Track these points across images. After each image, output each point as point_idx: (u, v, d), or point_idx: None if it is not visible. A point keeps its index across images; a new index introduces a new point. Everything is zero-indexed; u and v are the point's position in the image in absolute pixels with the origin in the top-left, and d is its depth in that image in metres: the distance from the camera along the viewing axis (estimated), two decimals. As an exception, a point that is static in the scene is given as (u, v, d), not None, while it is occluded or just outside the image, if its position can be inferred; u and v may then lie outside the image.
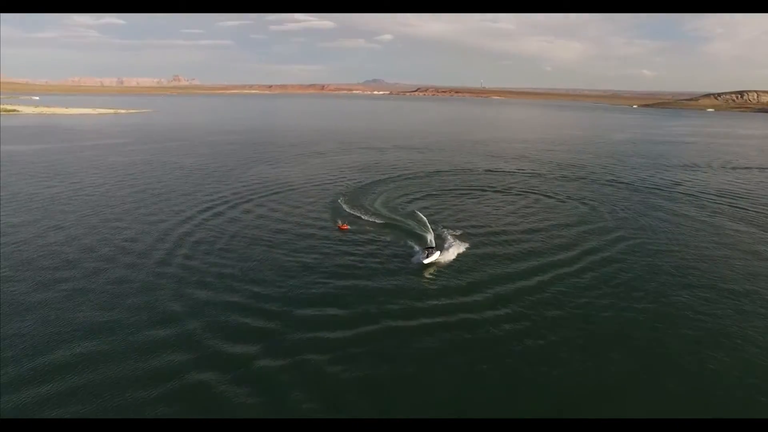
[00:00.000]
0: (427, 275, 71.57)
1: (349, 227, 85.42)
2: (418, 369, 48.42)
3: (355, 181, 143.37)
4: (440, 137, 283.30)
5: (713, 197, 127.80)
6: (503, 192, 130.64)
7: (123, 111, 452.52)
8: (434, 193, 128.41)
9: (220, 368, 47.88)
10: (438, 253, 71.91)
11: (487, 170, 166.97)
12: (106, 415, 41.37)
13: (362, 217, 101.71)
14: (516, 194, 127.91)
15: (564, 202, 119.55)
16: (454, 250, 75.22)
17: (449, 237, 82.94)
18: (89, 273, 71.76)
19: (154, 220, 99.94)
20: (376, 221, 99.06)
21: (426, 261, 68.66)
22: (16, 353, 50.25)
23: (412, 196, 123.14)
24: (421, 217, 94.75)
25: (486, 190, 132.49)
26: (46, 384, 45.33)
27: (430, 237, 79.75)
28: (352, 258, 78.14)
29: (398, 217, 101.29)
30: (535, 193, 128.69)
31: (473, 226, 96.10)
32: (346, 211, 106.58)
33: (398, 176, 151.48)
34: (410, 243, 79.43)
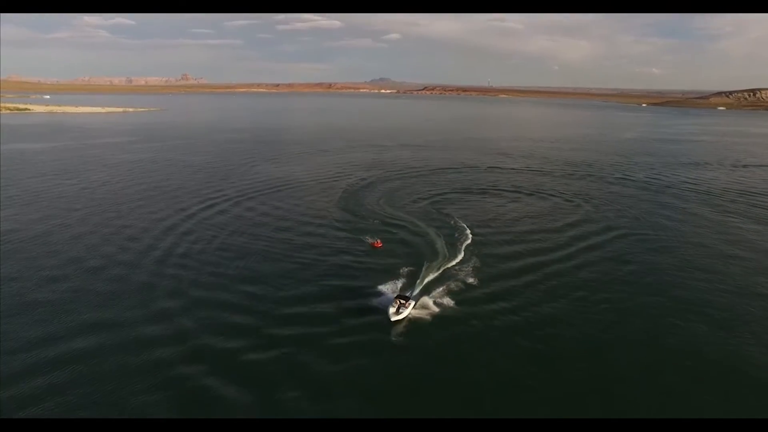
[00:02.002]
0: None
1: (382, 245, 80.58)
2: (417, 362, 48.21)
3: (360, 178, 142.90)
4: (446, 135, 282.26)
5: (723, 195, 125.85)
6: (510, 190, 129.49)
7: (131, 110, 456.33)
8: (439, 192, 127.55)
9: (211, 361, 48.05)
10: (412, 304, 57.96)
11: (492, 168, 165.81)
12: (102, 405, 41.53)
13: (364, 215, 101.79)
14: (523, 193, 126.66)
15: (571, 200, 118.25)
16: (432, 300, 60.98)
17: (430, 285, 66.32)
18: (92, 269, 72.40)
19: (157, 217, 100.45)
20: (377, 221, 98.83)
21: (394, 318, 54.90)
22: (18, 345, 50.57)
23: (416, 195, 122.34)
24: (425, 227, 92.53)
25: (492, 189, 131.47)
26: (45, 375, 45.67)
27: (408, 293, 62.88)
28: (349, 257, 77.97)
29: (400, 218, 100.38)
30: (541, 192, 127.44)
31: (479, 224, 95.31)
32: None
33: (402, 174, 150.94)
34: (383, 288, 64.96)
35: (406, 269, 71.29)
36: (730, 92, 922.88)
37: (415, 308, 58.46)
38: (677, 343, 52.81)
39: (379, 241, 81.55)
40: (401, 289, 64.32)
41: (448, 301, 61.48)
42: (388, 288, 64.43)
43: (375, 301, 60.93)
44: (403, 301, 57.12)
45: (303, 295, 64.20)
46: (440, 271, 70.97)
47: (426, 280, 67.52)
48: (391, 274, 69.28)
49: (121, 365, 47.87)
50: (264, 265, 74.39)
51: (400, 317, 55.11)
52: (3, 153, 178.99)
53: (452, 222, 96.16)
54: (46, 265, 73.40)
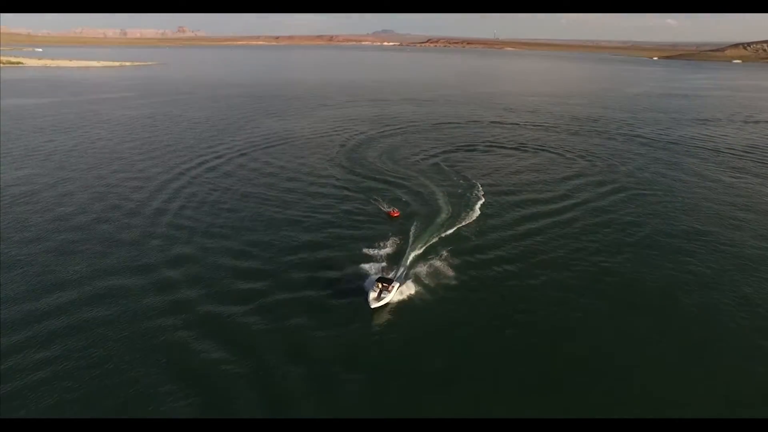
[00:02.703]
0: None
1: (399, 213, 75.78)
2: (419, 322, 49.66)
3: (361, 133, 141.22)
4: (450, 90, 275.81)
5: (731, 152, 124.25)
6: (512, 147, 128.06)
7: (128, 63, 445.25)
8: (439, 148, 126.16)
9: (202, 317, 49.64)
10: (395, 287, 51.95)
11: (495, 123, 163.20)
12: (92, 354, 43.57)
13: (361, 172, 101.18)
14: (526, 150, 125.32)
15: (575, 158, 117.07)
16: (415, 286, 54.62)
17: (417, 264, 59.85)
18: (89, 223, 73.42)
19: (155, 172, 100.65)
20: (376, 176, 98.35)
21: (374, 305, 49.50)
22: (15, 296, 52.31)
23: (416, 151, 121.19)
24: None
25: (494, 145, 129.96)
26: (45, 322, 47.51)
27: (392, 273, 57.21)
28: (344, 214, 78.42)
29: (399, 175, 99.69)
30: (545, 149, 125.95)
31: (478, 184, 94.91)
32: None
33: (404, 130, 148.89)
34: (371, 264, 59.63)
35: (397, 238, 67.36)
36: (748, 44, 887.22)
37: (402, 288, 53.01)
38: (673, 297, 53.87)
39: (396, 209, 76.95)
40: (389, 261, 60.32)
41: (438, 277, 56.60)
42: (372, 266, 58.45)
43: (357, 284, 54.79)
44: (385, 285, 51.27)
45: (293, 249, 65.16)
46: (434, 239, 67.15)
47: (416, 251, 63.05)
48: (381, 241, 65.92)
49: (113, 310, 49.67)
50: (258, 220, 75.17)
51: (381, 303, 49.63)
52: (2, 108, 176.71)
53: (451, 181, 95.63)
54: (47, 218, 74.40)
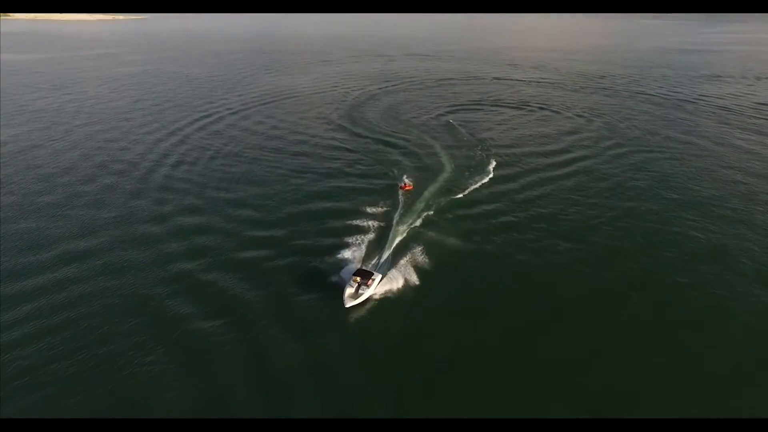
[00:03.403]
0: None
1: (412, 187, 69.54)
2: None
3: (363, 91, 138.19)
4: (453, 45, 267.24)
5: (741, 110, 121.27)
6: (515, 105, 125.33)
7: (121, 17, 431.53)
8: (441, 106, 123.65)
9: (183, 280, 49.95)
10: (377, 280, 45.76)
11: (499, 79, 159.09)
12: (113, 299, 44.35)
13: (361, 132, 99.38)
14: (531, 107, 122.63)
15: (580, 115, 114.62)
16: (402, 275, 48.11)
17: (400, 259, 51.01)
18: (81, 180, 73.34)
19: (150, 129, 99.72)
20: (375, 136, 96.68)
21: (350, 303, 43.31)
22: (12, 250, 53.10)
23: (418, 109, 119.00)
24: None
25: (497, 103, 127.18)
26: (53, 274, 48.32)
27: (375, 259, 51.01)
28: (340, 171, 77.97)
29: (397, 135, 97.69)
30: (549, 106, 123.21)
31: (478, 146, 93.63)
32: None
33: (407, 86, 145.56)
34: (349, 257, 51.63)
35: (387, 212, 62.40)
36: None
37: (385, 279, 46.82)
38: (671, 257, 54.14)
39: (409, 182, 70.75)
40: (372, 245, 54.08)
41: (428, 261, 50.82)
42: (353, 252, 52.07)
43: (332, 278, 47.98)
44: (363, 279, 45.04)
45: (288, 204, 64.93)
46: (428, 212, 62.09)
47: (405, 230, 57.40)
48: (369, 218, 60.39)
49: (141, 275, 50.33)
50: (251, 178, 75.04)
51: (358, 301, 43.49)
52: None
53: (451, 143, 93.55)
54: (41, 175, 74.33)
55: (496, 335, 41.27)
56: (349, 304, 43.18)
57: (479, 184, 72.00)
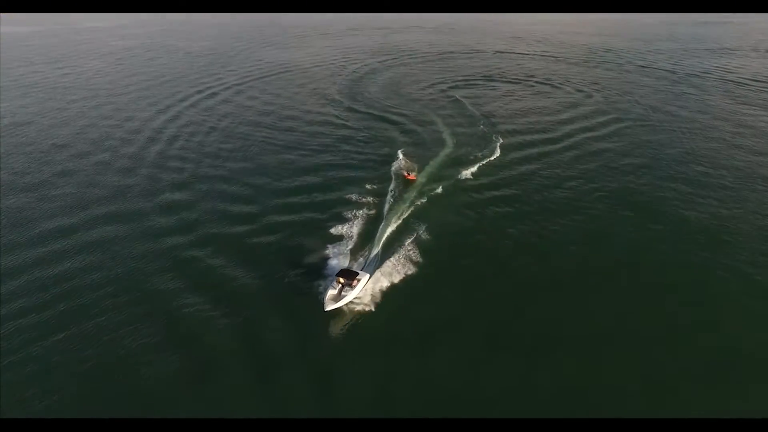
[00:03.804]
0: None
1: (416, 177, 64.97)
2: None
3: (363, 64, 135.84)
4: (455, 17, 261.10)
5: (749, 85, 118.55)
6: (517, 80, 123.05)
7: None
8: (441, 81, 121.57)
9: (212, 245, 50.47)
10: (365, 279, 42.33)
11: (501, 52, 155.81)
12: (116, 287, 44.71)
13: (359, 109, 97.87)
14: (534, 82, 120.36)
15: (582, 90, 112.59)
16: (392, 274, 44.46)
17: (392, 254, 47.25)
18: (94, 163, 72.89)
19: (156, 109, 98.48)
20: (370, 111, 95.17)
21: (330, 306, 39.46)
22: (28, 238, 53.53)
23: (418, 84, 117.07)
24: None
25: (499, 77, 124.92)
26: (56, 263, 48.90)
27: (364, 255, 47.61)
28: (334, 151, 77.38)
29: (396, 112, 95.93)
30: (552, 81, 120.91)
31: (484, 120, 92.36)
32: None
33: (408, 60, 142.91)
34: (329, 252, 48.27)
35: (381, 200, 58.85)
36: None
37: (373, 279, 43.03)
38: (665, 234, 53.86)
39: (413, 172, 65.99)
40: (362, 238, 50.38)
41: (421, 255, 47.21)
42: (341, 246, 48.35)
43: (315, 277, 44.56)
44: (347, 280, 41.37)
45: (283, 178, 64.84)
46: (422, 200, 58.83)
47: (399, 218, 54.08)
48: (358, 207, 56.83)
49: (132, 251, 50.60)
50: (247, 152, 74.80)
51: (339, 304, 39.59)
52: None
53: (452, 120, 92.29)
54: (47, 160, 73.91)
55: (497, 351, 36.64)
56: (329, 307, 39.06)
57: (478, 167, 69.19)
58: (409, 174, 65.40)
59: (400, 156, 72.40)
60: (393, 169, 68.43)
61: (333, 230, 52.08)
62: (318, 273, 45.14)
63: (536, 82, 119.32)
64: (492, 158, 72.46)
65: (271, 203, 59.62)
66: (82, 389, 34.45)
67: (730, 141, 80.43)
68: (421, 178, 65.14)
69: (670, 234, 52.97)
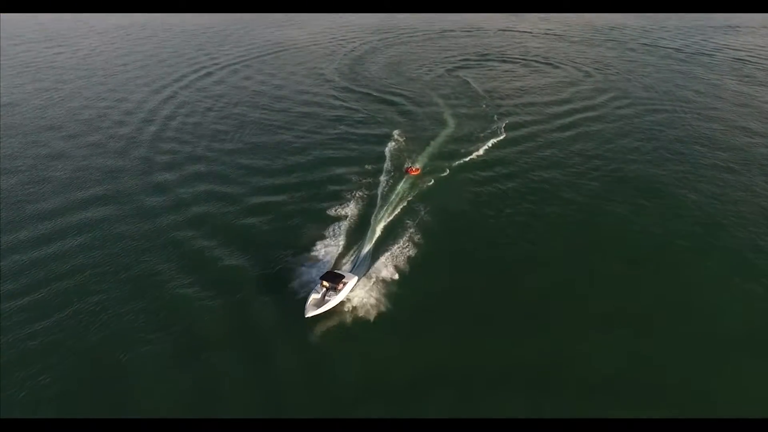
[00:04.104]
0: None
1: (420, 171, 60.90)
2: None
3: (362, 42, 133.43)
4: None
5: (760, 64, 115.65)
6: (522, 59, 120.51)
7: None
8: (441, 60, 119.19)
9: (206, 226, 50.69)
10: (352, 282, 39.40)
11: (503, 30, 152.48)
12: (109, 266, 45.01)
13: (356, 89, 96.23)
14: (537, 61, 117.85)
15: (582, 69, 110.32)
16: (383, 275, 41.22)
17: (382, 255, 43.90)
18: (90, 144, 72.39)
19: (151, 88, 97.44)
20: (367, 91, 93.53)
21: (310, 313, 36.80)
22: (25, 218, 53.76)
23: (416, 63, 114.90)
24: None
25: (501, 56, 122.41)
26: (53, 243, 49.11)
27: (352, 256, 44.71)
28: (335, 123, 76.55)
29: (393, 92, 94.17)
30: (554, 60, 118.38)
31: (486, 100, 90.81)
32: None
33: (408, 38, 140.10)
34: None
35: (374, 193, 55.86)
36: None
37: (360, 283, 40.00)
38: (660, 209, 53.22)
39: (416, 166, 61.73)
40: (352, 235, 47.29)
41: (416, 252, 44.35)
42: (328, 246, 44.84)
43: (299, 280, 41.63)
44: (333, 283, 38.19)
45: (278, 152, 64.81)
46: (414, 192, 55.83)
47: (391, 214, 51.28)
48: (350, 201, 54.00)
49: (128, 231, 50.80)
50: (244, 130, 74.46)
51: (321, 310, 36.79)
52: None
53: (450, 100, 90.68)
54: (43, 141, 73.41)
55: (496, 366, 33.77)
56: (310, 313, 36.15)
57: (477, 148, 67.84)
58: (412, 168, 61.09)
59: (395, 135, 71.20)
60: (388, 149, 67.34)
61: (329, 212, 51.54)
62: (304, 267, 42.69)
63: (539, 62, 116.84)
64: (492, 140, 71.53)
65: (265, 184, 59.44)
66: (78, 364, 35.04)
67: (734, 122, 78.87)
68: (420, 162, 63.66)
69: (669, 214, 52.47)
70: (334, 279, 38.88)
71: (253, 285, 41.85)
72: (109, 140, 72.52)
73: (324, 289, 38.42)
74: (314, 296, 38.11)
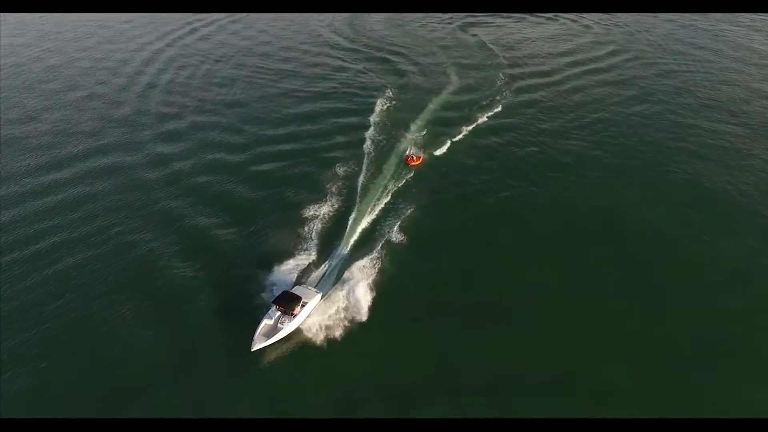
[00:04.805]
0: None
1: (422, 160, 54.58)
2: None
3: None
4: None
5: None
6: (523, 18, 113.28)
7: None
8: (452, 17, 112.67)
9: (207, 175, 52.35)
10: (314, 301, 33.91)
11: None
12: (122, 212, 46.58)
13: (356, 48, 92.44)
14: (547, 19, 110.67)
15: (578, 21, 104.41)
16: (351, 292, 34.89)
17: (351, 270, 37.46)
18: (83, 98, 71.90)
19: (142, 41, 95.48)
20: (373, 53, 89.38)
21: (257, 345, 31.16)
22: (20, 174, 54.07)
23: (422, 18, 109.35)
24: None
25: (506, 15, 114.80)
26: (51, 195, 50.12)
27: (321, 268, 38.08)
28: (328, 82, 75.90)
29: (385, 49, 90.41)
30: (563, 16, 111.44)
31: (487, 68, 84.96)
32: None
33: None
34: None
35: (352, 188, 49.62)
36: None
37: (322, 304, 34.01)
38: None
39: (417, 155, 54.95)
40: (321, 243, 40.26)
41: (393, 263, 38.42)
42: (295, 259, 38.09)
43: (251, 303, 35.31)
44: (288, 307, 32.38)
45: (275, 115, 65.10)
46: (400, 184, 50.31)
47: (370, 214, 44.93)
48: (329, 196, 47.74)
49: (132, 181, 51.86)
50: (239, 91, 74.00)
51: (271, 341, 30.91)
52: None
53: (449, 59, 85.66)
54: (44, 89, 74.20)
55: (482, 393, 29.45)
56: (256, 346, 30.21)
57: (477, 115, 64.46)
58: (412, 158, 54.56)
59: (388, 92, 71.03)
60: (373, 119, 64.27)
61: (303, 212, 44.92)
62: (268, 280, 36.48)
63: (552, 17, 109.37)
64: (493, 108, 67.78)
65: (253, 151, 57.97)
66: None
67: (741, 85, 75.00)
68: (424, 150, 55.46)
69: (674, 192, 51.13)
70: (290, 301, 32.61)
71: (196, 308, 34.88)
72: (104, 93, 73.37)
73: (277, 314, 32.44)
74: (266, 322, 32.11)
